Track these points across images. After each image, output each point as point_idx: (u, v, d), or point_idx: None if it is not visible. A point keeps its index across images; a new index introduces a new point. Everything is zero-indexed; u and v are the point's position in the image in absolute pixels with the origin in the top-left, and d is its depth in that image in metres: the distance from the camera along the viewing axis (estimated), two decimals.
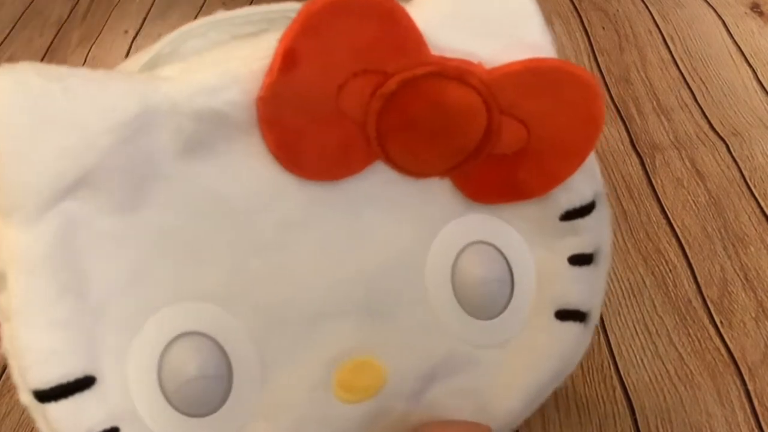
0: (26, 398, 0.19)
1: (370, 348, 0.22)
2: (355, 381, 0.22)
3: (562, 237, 0.23)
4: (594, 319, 0.24)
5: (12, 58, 0.78)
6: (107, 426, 0.20)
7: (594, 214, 0.23)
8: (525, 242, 0.23)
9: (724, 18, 0.67)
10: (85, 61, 0.75)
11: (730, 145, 0.55)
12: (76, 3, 0.86)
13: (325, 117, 0.20)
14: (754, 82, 0.60)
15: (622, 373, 0.43)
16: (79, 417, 0.19)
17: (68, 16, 0.83)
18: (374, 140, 0.21)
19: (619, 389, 0.43)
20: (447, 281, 0.23)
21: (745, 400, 0.42)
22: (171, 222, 0.20)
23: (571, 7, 0.71)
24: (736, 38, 0.64)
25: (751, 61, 0.62)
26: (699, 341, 0.44)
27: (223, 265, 0.21)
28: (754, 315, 0.45)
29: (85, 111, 0.19)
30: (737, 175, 0.53)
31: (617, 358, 0.44)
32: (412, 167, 0.22)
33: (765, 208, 0.51)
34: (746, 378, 0.42)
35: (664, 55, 0.64)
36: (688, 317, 0.45)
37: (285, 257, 0.21)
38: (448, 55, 0.21)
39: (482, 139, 0.22)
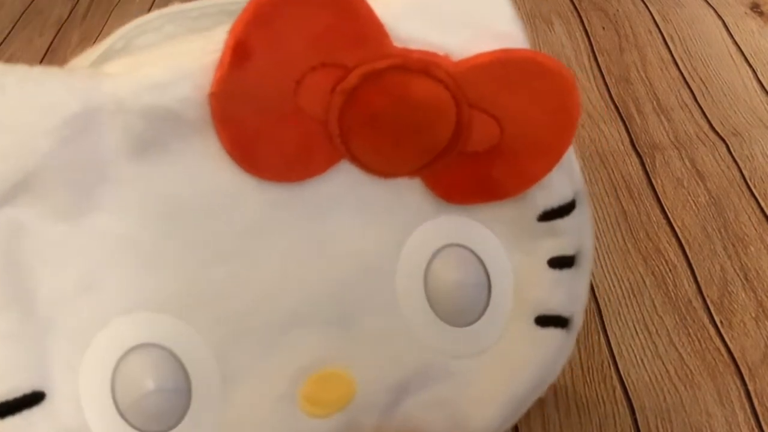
0: None
1: (337, 359, 0.21)
2: (322, 394, 0.20)
3: (540, 239, 0.22)
4: (576, 325, 0.23)
5: (12, 58, 0.78)
6: None
7: (574, 214, 0.22)
8: (501, 245, 0.22)
9: (724, 18, 0.67)
10: None
11: (730, 145, 0.55)
12: (76, 3, 0.86)
13: (282, 114, 0.19)
14: (754, 82, 0.60)
15: (622, 373, 0.43)
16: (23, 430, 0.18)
17: (68, 16, 0.83)
18: (337, 138, 0.20)
19: (619, 389, 0.43)
20: (420, 287, 0.21)
21: (745, 400, 0.42)
22: (122, 228, 0.19)
23: (571, 7, 0.71)
24: (736, 38, 0.64)
25: (751, 61, 0.62)
26: (699, 341, 0.44)
27: (179, 274, 0.19)
28: (754, 315, 0.45)
29: (20, 111, 0.17)
30: (737, 175, 0.53)
31: (617, 358, 0.44)
32: (379, 167, 0.21)
33: (765, 208, 0.51)
34: (746, 378, 0.42)
35: (664, 55, 0.64)
36: (688, 317, 0.45)
37: (245, 264, 0.20)
38: (412, 46, 0.19)
39: (452, 136, 0.20)
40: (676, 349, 0.44)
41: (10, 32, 0.82)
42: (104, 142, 0.18)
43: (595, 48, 0.66)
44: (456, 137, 0.20)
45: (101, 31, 0.80)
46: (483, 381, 0.22)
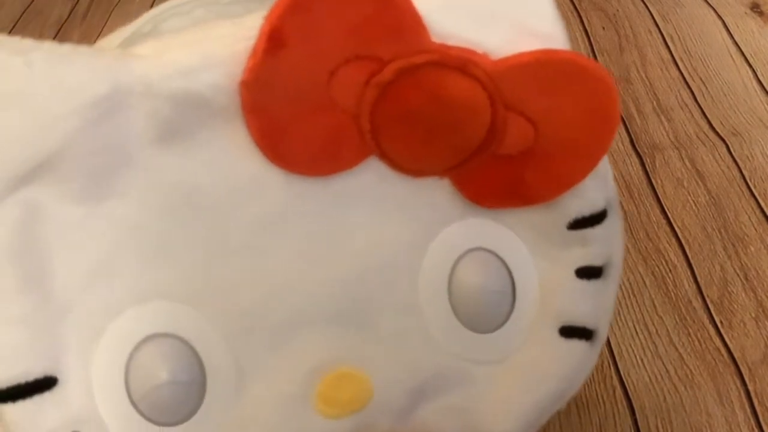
0: None
1: (355, 359, 0.20)
2: (338, 394, 0.20)
3: (569, 247, 0.21)
4: (601, 338, 0.22)
5: None
6: (68, 431, 0.18)
7: (605, 224, 0.21)
8: (529, 251, 0.21)
9: (724, 18, 0.67)
10: None
11: (730, 145, 0.55)
12: (76, 3, 0.86)
13: (314, 105, 0.18)
14: (754, 82, 0.60)
15: (622, 373, 0.43)
16: (38, 420, 0.18)
17: (68, 16, 0.83)
18: (368, 133, 0.19)
19: (619, 389, 0.43)
20: (443, 290, 0.21)
21: (745, 400, 0.42)
22: (141, 215, 0.18)
23: (571, 7, 0.71)
24: (736, 38, 0.64)
25: (751, 61, 0.62)
26: (699, 341, 0.44)
27: (197, 264, 0.19)
28: (754, 315, 0.45)
29: (48, 89, 0.17)
30: (737, 175, 0.53)
31: (617, 358, 0.44)
32: (409, 164, 0.20)
33: (765, 208, 0.51)
34: (746, 378, 0.42)
35: (664, 55, 0.64)
36: (688, 317, 0.45)
37: (264, 257, 0.19)
38: (450, 42, 0.19)
39: (485, 137, 0.19)
40: (676, 349, 0.44)
41: (10, 32, 0.82)
42: (129, 126, 0.18)
43: (595, 48, 0.66)
44: (489, 138, 0.19)
45: (101, 31, 0.80)
46: (502, 390, 0.21)
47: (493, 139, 0.19)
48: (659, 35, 0.66)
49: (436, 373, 0.21)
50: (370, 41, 0.18)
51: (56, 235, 0.18)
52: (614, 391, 0.43)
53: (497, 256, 0.21)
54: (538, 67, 0.19)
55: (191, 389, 0.19)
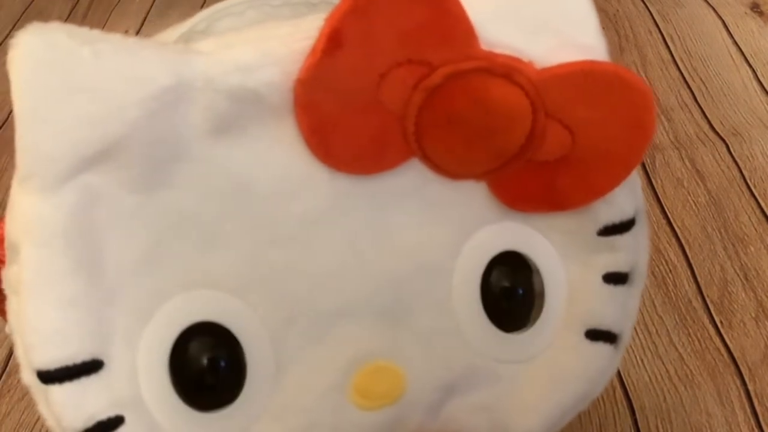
0: (29, 378, 0.18)
1: (391, 353, 0.21)
2: (373, 386, 0.20)
3: (598, 253, 0.22)
4: (625, 342, 0.23)
5: None
6: (111, 414, 0.18)
7: (633, 232, 0.22)
8: (559, 255, 0.22)
9: (724, 18, 0.67)
10: None
11: (730, 145, 0.55)
12: (76, 3, 0.86)
13: (363, 106, 0.19)
14: (754, 82, 0.60)
15: (622, 373, 0.43)
16: (83, 402, 0.18)
17: (68, 16, 0.83)
18: (412, 135, 0.20)
19: (619, 389, 0.43)
20: (475, 290, 0.21)
21: (745, 400, 0.42)
22: (192, 205, 0.19)
23: None
24: (736, 38, 0.64)
25: (751, 61, 0.62)
26: (699, 341, 0.44)
27: (242, 255, 0.20)
28: (754, 315, 0.45)
29: (114, 79, 0.17)
30: (737, 175, 0.53)
31: None
32: (449, 167, 0.21)
33: (765, 208, 0.51)
34: (746, 378, 0.42)
35: (664, 55, 0.64)
36: (688, 317, 0.45)
37: (306, 250, 0.20)
38: (498, 50, 0.19)
39: (524, 143, 0.20)
40: (676, 349, 0.44)
41: (10, 32, 0.82)
42: (187, 118, 0.18)
43: None
44: (528, 144, 0.20)
45: (101, 30, 0.80)
46: (528, 389, 0.22)
47: (531, 146, 0.20)
48: (659, 35, 0.66)
49: (466, 370, 0.21)
50: (422, 46, 0.19)
51: (111, 221, 0.18)
52: (614, 391, 0.43)
53: (528, 259, 0.22)
54: (580, 77, 0.20)
55: (232, 376, 0.19)
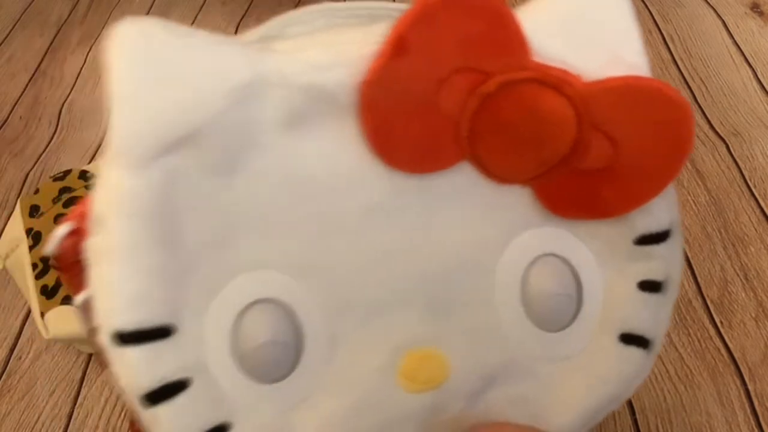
0: (106, 340, 0.20)
1: (436, 342, 0.22)
2: (419, 370, 0.22)
3: (634, 261, 0.23)
4: (657, 349, 0.23)
5: (12, 58, 0.78)
6: (180, 376, 0.20)
7: (668, 242, 0.23)
8: (597, 261, 0.23)
9: (724, 18, 0.67)
10: (85, 60, 0.75)
11: (730, 145, 0.55)
12: (76, 3, 0.86)
13: (422, 109, 0.21)
14: (754, 82, 0.60)
15: None
16: (155, 363, 0.20)
17: (68, 16, 0.83)
18: (465, 139, 0.21)
19: None
20: (516, 289, 0.23)
21: (745, 400, 0.42)
22: (262, 192, 0.21)
23: None
24: (736, 38, 0.64)
25: (751, 61, 0.62)
26: (699, 341, 0.44)
27: (304, 241, 0.21)
28: (754, 315, 0.45)
29: (202, 71, 0.19)
30: (737, 175, 0.53)
31: None
32: (498, 171, 0.22)
33: (765, 208, 0.51)
34: (746, 378, 0.42)
35: (664, 55, 0.64)
36: (688, 317, 0.45)
37: (363, 241, 0.22)
38: (549, 63, 0.21)
39: (569, 152, 0.21)
40: (676, 349, 0.44)
41: (10, 32, 0.82)
42: (263, 111, 0.20)
43: None
44: (573, 153, 0.21)
45: (101, 31, 0.80)
46: (564, 387, 0.23)
47: (576, 155, 0.21)
48: (659, 35, 0.66)
49: (506, 364, 0.23)
50: (480, 55, 0.20)
51: (189, 201, 0.20)
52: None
53: (568, 263, 0.23)
54: (625, 91, 0.21)
55: (288, 352, 0.21)
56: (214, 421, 0.20)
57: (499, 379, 0.23)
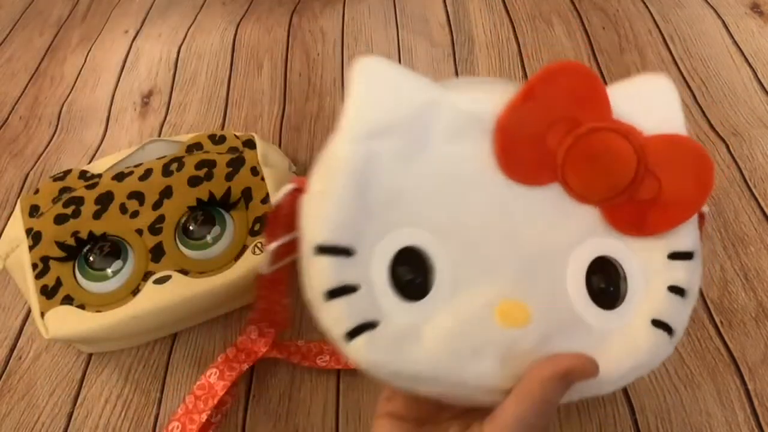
0: (308, 251, 0.30)
1: (524, 296, 0.31)
2: (510, 312, 0.31)
3: (666, 270, 0.32)
4: (677, 338, 0.32)
5: (12, 58, 0.78)
6: (353, 282, 0.30)
7: (691, 263, 0.32)
8: (640, 266, 0.33)
9: (724, 18, 0.67)
10: (85, 60, 0.75)
11: (730, 145, 0.55)
12: (76, 3, 0.86)
13: (535, 140, 0.32)
14: (754, 82, 0.60)
15: None
16: (339, 270, 0.29)
17: (68, 16, 0.83)
18: (559, 167, 0.32)
19: (619, 389, 0.43)
20: (582, 275, 0.32)
21: (745, 399, 0.42)
22: (423, 177, 0.31)
23: (571, 6, 0.71)
24: (736, 38, 0.64)
25: (751, 61, 0.62)
26: (699, 341, 0.44)
27: (444, 213, 0.31)
28: (754, 315, 0.45)
29: (405, 89, 0.31)
30: (737, 175, 0.53)
31: None
32: (579, 192, 0.33)
33: (765, 208, 0.51)
34: (746, 378, 0.42)
35: (664, 55, 0.64)
36: None
37: (484, 221, 0.32)
38: (622, 119, 0.32)
39: (629, 184, 0.32)
40: (676, 349, 0.44)
41: (10, 32, 0.82)
42: (437, 123, 0.32)
43: (595, 48, 0.66)
44: (631, 184, 0.32)
45: (101, 31, 0.80)
46: (608, 349, 0.31)
47: (633, 186, 0.32)
48: (659, 35, 0.66)
49: (570, 323, 0.31)
50: (577, 108, 0.31)
51: (378, 173, 0.31)
52: (614, 391, 0.43)
53: (618, 264, 0.33)
54: (671, 145, 0.32)
55: (423, 283, 0.31)
56: (368, 317, 0.30)
57: (563, 332, 0.31)
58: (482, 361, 0.30)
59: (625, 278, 0.32)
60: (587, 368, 0.29)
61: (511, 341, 0.30)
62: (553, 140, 0.31)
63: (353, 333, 0.29)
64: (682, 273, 0.32)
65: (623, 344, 0.31)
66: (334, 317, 0.29)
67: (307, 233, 0.30)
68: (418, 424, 0.33)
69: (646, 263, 0.32)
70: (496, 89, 0.32)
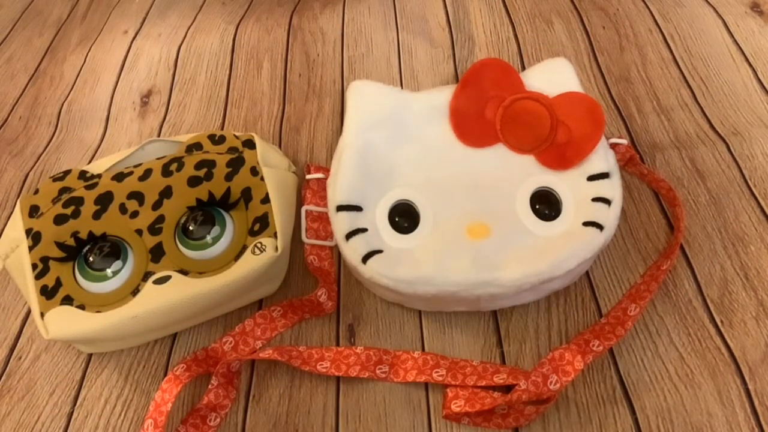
0: (332, 210, 0.46)
1: (485, 218, 0.45)
2: (476, 229, 0.45)
3: (589, 187, 0.46)
4: (608, 231, 0.44)
5: (12, 58, 0.78)
6: (363, 226, 0.45)
7: (609, 180, 0.46)
8: (569, 190, 0.46)
9: (724, 17, 0.67)
10: (84, 61, 0.75)
11: (730, 145, 0.55)
12: (76, 3, 0.86)
13: (477, 116, 0.49)
14: (754, 82, 0.60)
15: (622, 373, 0.43)
16: (353, 220, 0.45)
17: (68, 16, 0.83)
18: (499, 131, 0.49)
19: (619, 389, 0.43)
20: (527, 201, 0.46)
21: (745, 399, 0.42)
22: (408, 153, 0.49)
23: (571, 6, 0.71)
24: (736, 38, 0.64)
25: (751, 60, 0.62)
26: (699, 341, 0.44)
27: (423, 175, 0.48)
28: (754, 314, 0.45)
29: (387, 96, 0.50)
30: (737, 174, 0.53)
31: (617, 358, 0.44)
32: (516, 146, 0.48)
33: (765, 208, 0.51)
34: (746, 377, 0.42)
35: (665, 55, 0.64)
36: (688, 317, 0.45)
37: (451, 175, 0.48)
38: (533, 90, 0.48)
39: (548, 133, 0.48)
40: (676, 349, 0.44)
41: (10, 32, 0.82)
42: (410, 113, 0.49)
43: (595, 47, 0.66)
44: (550, 134, 0.48)
45: (101, 31, 0.80)
46: (553, 247, 0.43)
47: (551, 135, 0.48)
48: (659, 34, 0.66)
49: (521, 233, 0.44)
50: (501, 88, 0.49)
51: (375, 154, 0.48)
52: (614, 391, 0.43)
53: (554, 191, 0.46)
54: (570, 100, 0.48)
55: (411, 222, 0.46)
56: (375, 247, 0.44)
57: (516, 239, 0.44)
58: (460, 262, 0.43)
59: (558, 200, 0.46)
60: None
61: (479, 247, 0.44)
62: (490, 113, 0.49)
63: (366, 257, 0.44)
64: (602, 188, 0.45)
65: (564, 241, 0.43)
66: (353, 249, 0.44)
67: (330, 199, 0.47)
68: None
69: (573, 187, 0.46)
70: (445, 88, 0.50)
